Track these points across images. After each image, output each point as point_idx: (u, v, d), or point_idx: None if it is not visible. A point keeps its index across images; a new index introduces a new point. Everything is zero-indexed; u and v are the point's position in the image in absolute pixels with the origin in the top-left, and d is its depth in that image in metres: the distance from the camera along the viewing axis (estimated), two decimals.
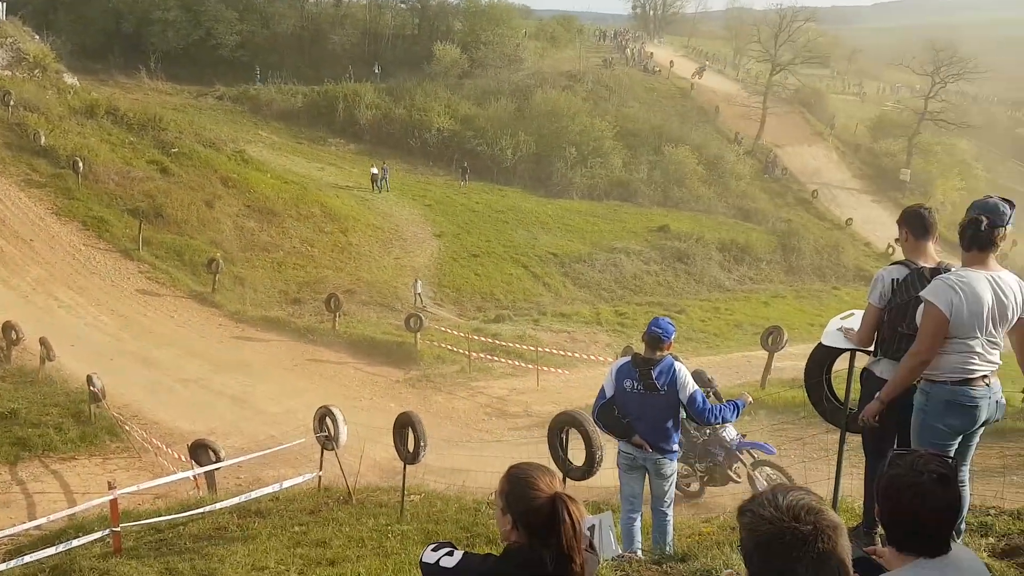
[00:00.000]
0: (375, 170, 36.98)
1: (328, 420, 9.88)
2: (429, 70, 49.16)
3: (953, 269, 4.00)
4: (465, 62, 50.17)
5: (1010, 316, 3.75)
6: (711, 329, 28.28)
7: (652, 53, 62.93)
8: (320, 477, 10.37)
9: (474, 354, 21.50)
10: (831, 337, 4.71)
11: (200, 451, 11.65)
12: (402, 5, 58.57)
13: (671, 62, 59.56)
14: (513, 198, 39.73)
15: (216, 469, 11.22)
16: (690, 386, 4.99)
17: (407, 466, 9.02)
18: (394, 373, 20.68)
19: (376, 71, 50.16)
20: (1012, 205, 3.78)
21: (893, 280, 4.29)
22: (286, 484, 9.99)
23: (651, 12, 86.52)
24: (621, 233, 36.18)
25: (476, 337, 22.78)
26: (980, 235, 3.70)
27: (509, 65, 50.83)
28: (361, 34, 54.67)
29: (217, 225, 28.61)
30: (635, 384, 5.02)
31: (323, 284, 26.39)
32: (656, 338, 5.05)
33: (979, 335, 3.71)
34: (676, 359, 5.17)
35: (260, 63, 49.85)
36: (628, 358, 5.23)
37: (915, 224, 4.33)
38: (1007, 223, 3.73)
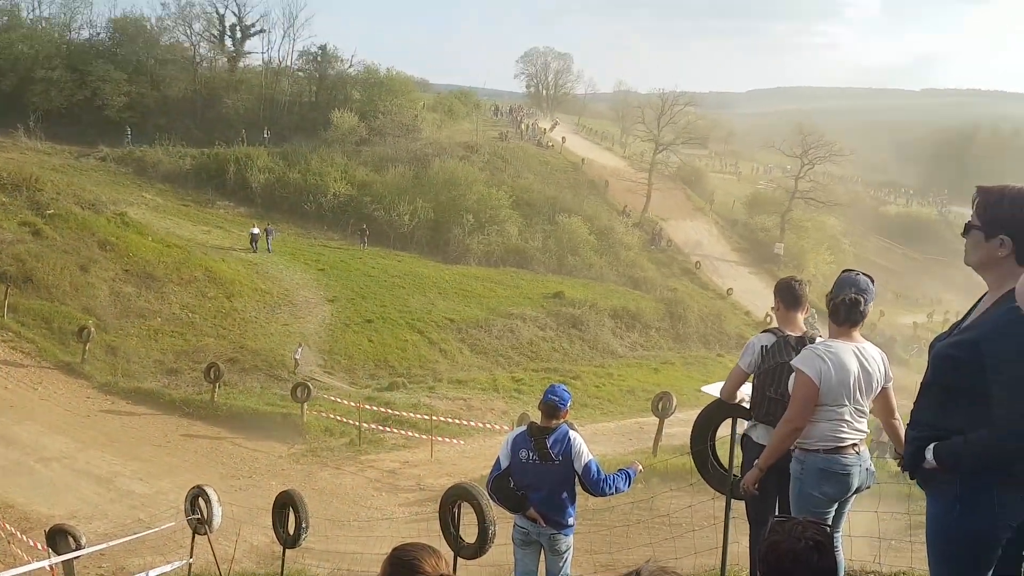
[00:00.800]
0: (255, 230, 36.19)
1: (201, 501, 9.18)
2: (326, 136, 48.82)
3: (819, 340, 4.22)
4: (363, 130, 50.05)
5: (875, 386, 3.93)
6: (604, 395, 28.47)
7: (545, 129, 64.63)
8: (191, 564, 9.73)
9: (365, 425, 20.83)
10: (711, 388, 4.92)
11: (58, 538, 10.19)
12: (300, 73, 58.06)
13: (563, 138, 61.25)
14: (410, 263, 39.35)
15: (76, 558, 9.90)
16: (585, 456, 4.91)
17: (287, 550, 8.53)
18: (277, 448, 19.78)
19: (266, 135, 49.28)
20: (872, 280, 4.01)
21: (763, 347, 4.49)
22: (152, 573, 9.34)
23: (544, 92, 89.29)
24: (518, 299, 36.28)
25: (368, 407, 22.06)
26: (855, 313, 3.88)
27: (407, 134, 50.89)
28: (256, 99, 53.71)
29: (91, 290, 26.85)
30: (530, 454, 4.95)
31: (203, 352, 25.07)
32: (552, 406, 4.98)
33: (847, 403, 3.86)
34: (571, 428, 5.10)
35: (150, 125, 48.00)
36: (524, 427, 5.14)
37: (786, 295, 4.58)
38: (872, 299, 3.98)
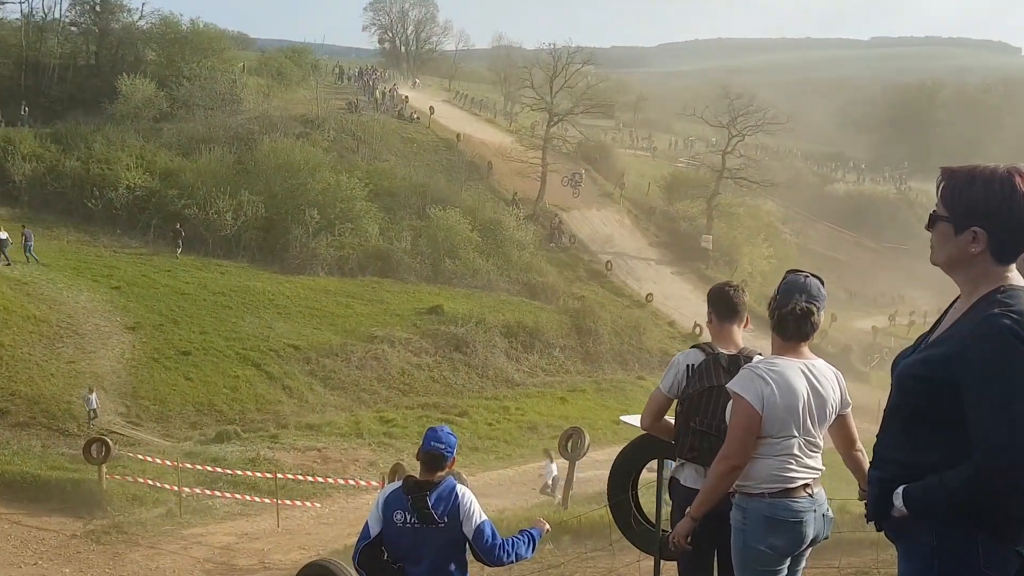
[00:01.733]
0: (2, 234, 34.99)
1: None
2: (113, 111, 47.82)
3: (758, 357, 4.35)
4: (163, 101, 49.33)
5: (829, 412, 4.01)
6: (500, 435, 29.04)
7: (407, 97, 64.87)
8: None
9: (187, 489, 20.75)
10: (632, 418, 5.01)
11: None
12: (72, 28, 56.37)
13: (431, 108, 61.55)
14: (237, 276, 38.91)
15: None
16: (476, 516, 4.98)
17: None
18: (70, 525, 19.61)
19: (24, 111, 47.40)
20: (823, 283, 4.15)
21: (688, 366, 4.61)
22: None
23: (402, 48, 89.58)
24: (383, 317, 36.33)
25: (190, 466, 21.98)
26: (806, 326, 3.99)
27: (224, 106, 50.34)
28: (14, 64, 51.63)
29: None
30: (408, 516, 4.97)
31: None
32: (435, 456, 5.03)
33: (796, 434, 3.92)
34: (460, 481, 5.19)
35: None
36: (399, 483, 5.18)
37: (719, 305, 4.74)
38: (824, 306, 4.09)
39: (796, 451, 3.94)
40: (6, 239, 34.78)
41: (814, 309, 3.99)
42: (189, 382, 29.10)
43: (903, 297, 56.51)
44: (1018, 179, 2.56)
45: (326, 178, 44.36)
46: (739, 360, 4.44)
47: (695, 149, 74.29)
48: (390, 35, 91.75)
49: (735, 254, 54.95)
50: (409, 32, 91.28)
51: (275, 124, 49.18)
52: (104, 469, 20.65)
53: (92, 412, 25.43)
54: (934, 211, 2.69)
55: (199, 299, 35.33)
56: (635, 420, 4.99)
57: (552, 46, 60.30)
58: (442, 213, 44.84)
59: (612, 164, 63.17)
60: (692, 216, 57.35)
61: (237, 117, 50.01)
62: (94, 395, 25.91)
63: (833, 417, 4.04)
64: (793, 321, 3.98)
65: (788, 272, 4.22)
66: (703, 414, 4.48)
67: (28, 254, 35.16)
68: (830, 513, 4.09)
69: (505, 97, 74.76)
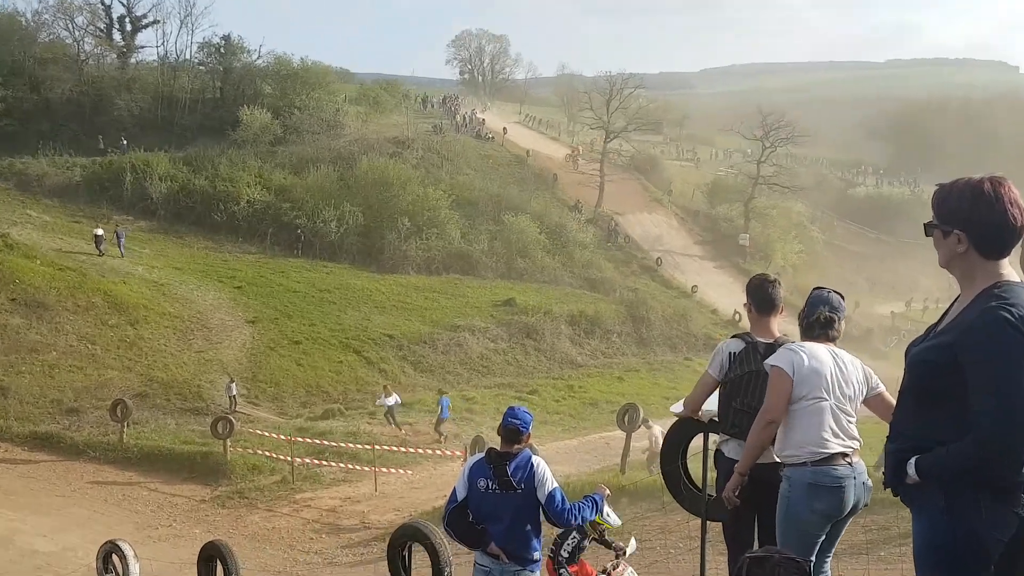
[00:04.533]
0: (99, 231, 35.60)
1: (115, 557, 9.15)
2: (235, 137, 48.17)
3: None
4: (277, 128, 49.52)
5: (855, 387, 4.08)
6: (566, 409, 28.73)
7: (484, 119, 64.76)
8: None
9: (298, 460, 20.70)
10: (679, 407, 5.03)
11: None
12: (201, 67, 57.05)
13: (504, 129, 61.50)
14: (340, 275, 39.04)
15: None
16: (549, 483, 4.99)
17: None
18: (199, 491, 19.68)
19: (123, 142, 47.51)
20: (843, 297, 4.37)
21: (731, 354, 4.60)
22: None
23: (480, 78, 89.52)
24: (464, 309, 36.30)
25: (300, 439, 21.89)
26: (831, 330, 4.20)
27: (328, 131, 50.52)
28: (152, 99, 52.53)
29: None
30: (490, 483, 5.00)
31: (107, 388, 24.62)
32: (514, 431, 5.05)
33: (826, 396, 3.97)
34: (535, 453, 5.17)
35: (31, 132, 46.53)
36: (482, 454, 5.21)
37: (758, 299, 4.68)
38: (844, 316, 4.31)
39: (829, 416, 3.96)
40: (102, 235, 35.27)
41: (835, 317, 4.21)
42: (300, 367, 29.23)
43: (918, 285, 55.13)
44: (987, 185, 2.63)
45: (415, 191, 44.36)
46: (775, 348, 4.42)
47: (733, 159, 73.41)
48: (469, 67, 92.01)
49: (769, 250, 54.16)
50: (485, 64, 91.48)
51: (372, 145, 49.24)
52: (228, 443, 20.78)
53: (233, 399, 25.47)
54: (929, 220, 2.76)
55: (308, 296, 35.54)
56: (680, 409, 5.01)
57: (608, 73, 61.03)
58: (514, 219, 44.75)
59: (661, 174, 62.65)
60: (731, 218, 56.67)
61: (340, 140, 50.13)
62: (234, 384, 25.91)
63: (862, 394, 4.10)
64: (819, 327, 4.19)
65: (814, 288, 4.41)
66: (743, 395, 4.48)
67: (121, 249, 35.51)
68: (869, 482, 4.05)
69: (568, 118, 74.50)
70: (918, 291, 53.48)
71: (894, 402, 3.91)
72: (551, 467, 5.13)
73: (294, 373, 28.73)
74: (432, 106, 69.16)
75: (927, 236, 2.78)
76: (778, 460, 4.13)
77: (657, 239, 52.41)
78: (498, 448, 5.13)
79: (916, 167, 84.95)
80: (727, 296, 43.76)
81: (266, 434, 22.35)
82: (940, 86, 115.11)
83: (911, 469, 2.70)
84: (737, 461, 4.33)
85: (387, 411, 24.52)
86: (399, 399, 24.86)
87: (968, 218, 2.64)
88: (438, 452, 21.62)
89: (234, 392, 25.62)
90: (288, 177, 45.35)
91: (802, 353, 4.02)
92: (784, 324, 4.75)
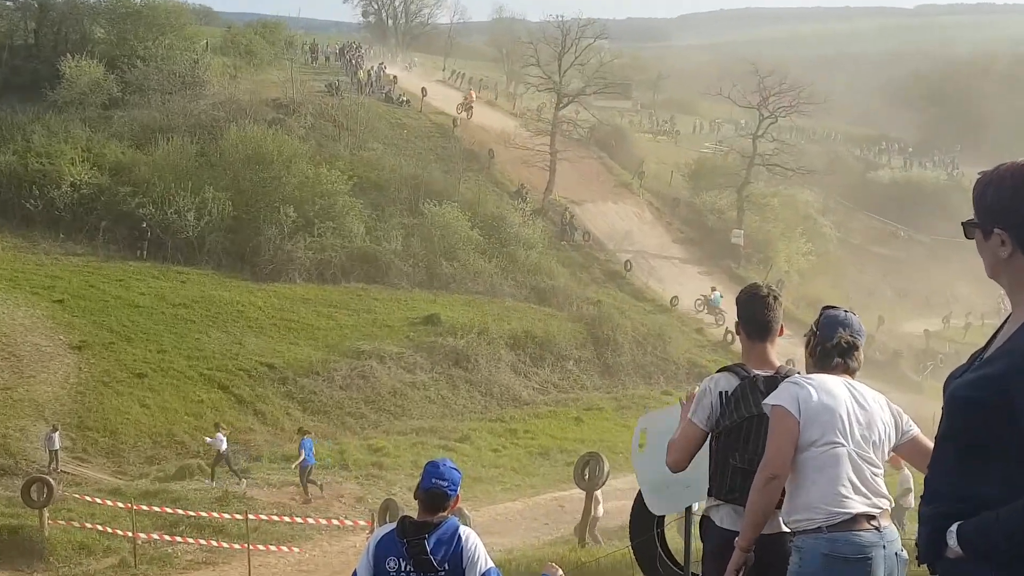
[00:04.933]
0: None
1: None
2: (55, 97, 47.75)
3: (798, 375, 4.43)
4: (113, 85, 49.26)
5: (881, 429, 4.11)
6: (507, 462, 28.95)
7: (396, 77, 64.89)
8: None
9: (142, 536, 20.82)
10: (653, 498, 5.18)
11: None
12: (8, 4, 56.54)
13: (423, 89, 61.45)
14: (200, 284, 38.87)
15: None
16: (482, 563, 5.01)
17: None
18: None
19: None
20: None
21: (722, 393, 4.59)
22: None
23: (390, 22, 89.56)
24: (370, 329, 36.43)
25: (146, 507, 21.93)
26: (850, 360, 4.25)
27: (184, 90, 50.22)
28: None
29: None
30: (403, 564, 5.01)
31: None
32: (436, 494, 5.09)
33: (844, 441, 4.00)
34: (463, 521, 5.26)
35: None
36: (394, 525, 5.24)
37: (748, 319, 4.72)
38: (863, 342, 4.36)
39: (848, 467, 3.98)
40: None
41: (858, 344, 4.26)
42: (145, 409, 29.10)
43: (958, 296, 56.72)
44: None
45: (303, 170, 44.15)
46: (778, 382, 4.40)
47: (722, 133, 74.86)
48: (375, 6, 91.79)
49: (769, 250, 54.97)
50: (397, 3, 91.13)
51: (244, 110, 48.92)
52: (46, 514, 20.57)
53: (54, 454, 25.22)
54: (970, 219, 2.79)
55: (156, 312, 35.25)
56: (647, 464, 5.11)
57: (560, 18, 60.66)
58: (437, 209, 44.64)
59: (629, 150, 63.16)
60: (720, 208, 57.33)
61: (200, 102, 49.81)
62: (57, 434, 25.68)
63: (890, 439, 4.13)
64: (839, 355, 4.21)
65: (824, 308, 4.45)
66: (743, 449, 4.47)
67: None
68: (904, 553, 4.03)
69: (507, 76, 74.93)
70: (958, 304, 54.98)
71: (928, 443, 3.97)
72: (486, 540, 5.11)
73: (137, 417, 28.61)
74: (326, 59, 69.11)
75: (968, 238, 2.84)
76: (786, 529, 4.18)
77: (626, 236, 52.80)
78: (415, 517, 5.14)
79: (955, 144, 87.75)
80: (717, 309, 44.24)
81: (99, 501, 22.17)
82: (985, 39, 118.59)
83: (952, 539, 2.68)
84: (733, 532, 4.35)
85: (218, 456, 24.83)
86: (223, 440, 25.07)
87: (1011, 212, 2.66)
88: (335, 522, 21.66)
89: (56, 445, 25.33)
90: (128, 152, 44.82)
91: (809, 387, 4.06)
92: (789, 347, 4.82)
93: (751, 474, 4.25)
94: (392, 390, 32.95)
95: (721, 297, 43.36)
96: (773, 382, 4.44)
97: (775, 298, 4.72)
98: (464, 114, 58.23)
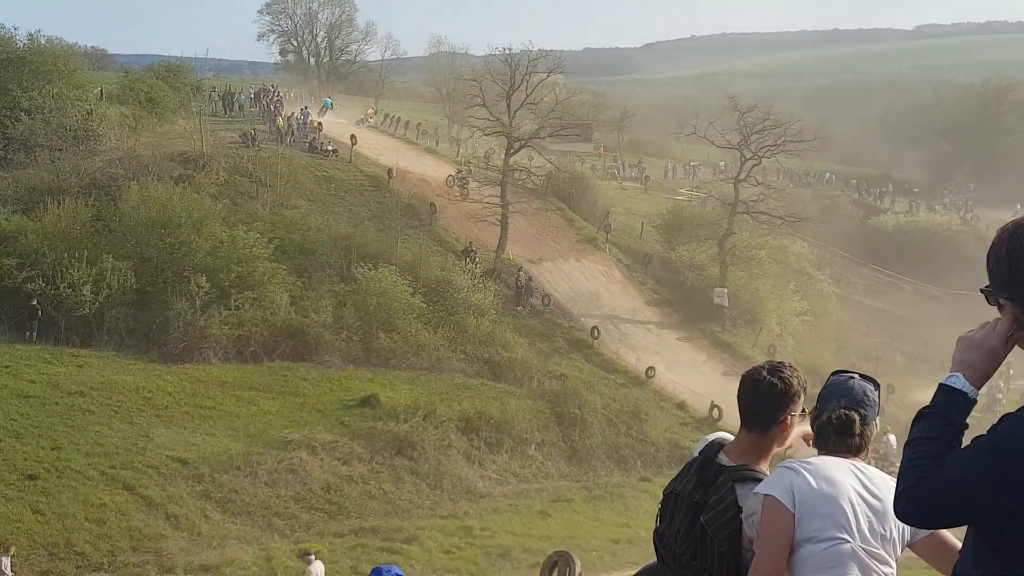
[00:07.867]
0: None
1: None
2: None
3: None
4: None
5: (893, 524, 3.94)
6: (462, 565, 29.00)
7: (320, 124, 65.18)
8: None
9: None
10: None
11: None
12: None
13: (352, 137, 61.60)
14: (100, 368, 38.53)
15: None
16: None
17: None
18: None
19: None
20: (877, 385, 4.28)
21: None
22: None
23: (311, 60, 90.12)
24: (299, 415, 36.28)
25: None
26: (847, 434, 4.15)
27: (76, 145, 50.25)
28: None
29: None
30: None
31: None
32: None
33: (848, 536, 3.90)
34: None
35: None
36: None
37: (749, 415, 4.39)
38: (878, 414, 4.26)
39: (854, 568, 3.88)
40: None
41: (856, 417, 4.14)
42: (38, 516, 28.63)
43: None
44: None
45: (216, 234, 44.21)
46: (738, 478, 4.29)
47: (699, 177, 75.16)
48: (295, 44, 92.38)
49: (758, 311, 55.30)
50: (320, 39, 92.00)
51: (146, 166, 49.07)
52: None
53: None
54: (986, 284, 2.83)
55: (49, 403, 34.84)
56: None
57: (508, 51, 60.14)
58: (373, 273, 44.70)
59: (593, 201, 63.68)
60: (700, 264, 57.90)
61: (95, 159, 49.92)
62: (7, 559, 25.47)
63: (904, 534, 4.01)
64: (833, 433, 4.15)
65: (832, 374, 4.39)
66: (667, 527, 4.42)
67: None
68: None
69: (449, 119, 75.12)
70: None
71: (956, 546, 3.77)
72: None
73: (29, 526, 28.13)
74: (238, 107, 69.28)
75: (990, 304, 2.90)
76: None
77: (592, 299, 53.14)
78: None
79: (968, 183, 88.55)
80: (699, 381, 44.68)
81: None
82: (997, 63, 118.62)
83: None
84: None
85: None
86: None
87: (1008, 279, 2.75)
88: None
89: (8, 571, 25.24)
90: (13, 218, 44.58)
91: (804, 472, 3.98)
92: None
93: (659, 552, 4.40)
94: (326, 485, 32.77)
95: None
96: (734, 474, 4.25)
97: (772, 383, 4.27)
98: (460, 191, 57.59)
